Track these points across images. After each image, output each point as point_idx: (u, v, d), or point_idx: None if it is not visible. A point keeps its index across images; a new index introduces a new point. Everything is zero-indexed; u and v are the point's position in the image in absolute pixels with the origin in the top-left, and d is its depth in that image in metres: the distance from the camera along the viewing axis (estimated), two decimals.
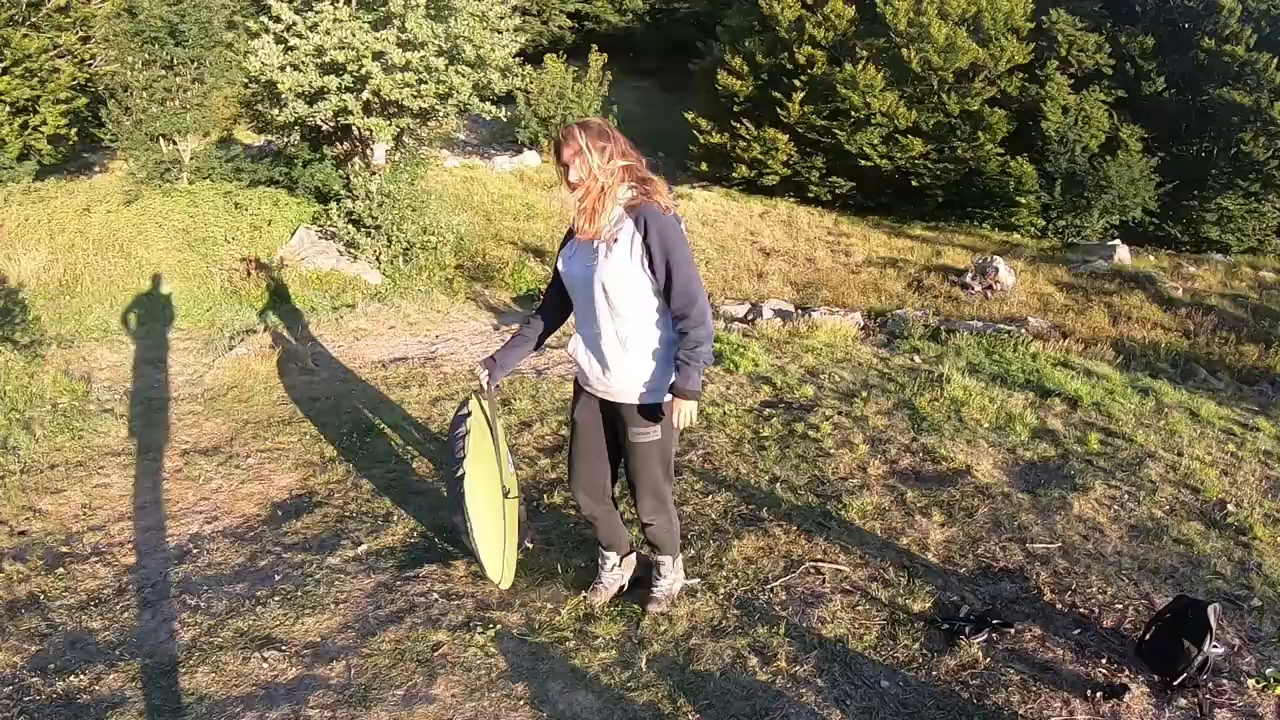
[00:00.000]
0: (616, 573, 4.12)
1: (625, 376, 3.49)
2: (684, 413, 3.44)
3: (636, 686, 3.50)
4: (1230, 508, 5.51)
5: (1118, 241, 17.32)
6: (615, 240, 3.32)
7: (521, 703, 3.39)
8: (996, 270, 13.08)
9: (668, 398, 3.48)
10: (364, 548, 4.63)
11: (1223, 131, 20.44)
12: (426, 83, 11.66)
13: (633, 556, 4.18)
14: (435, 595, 4.14)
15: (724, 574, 4.35)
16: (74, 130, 13.43)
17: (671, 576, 4.03)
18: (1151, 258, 17.14)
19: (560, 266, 3.55)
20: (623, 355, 3.45)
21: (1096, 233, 19.39)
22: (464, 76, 11.88)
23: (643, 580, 4.14)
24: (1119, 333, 10.93)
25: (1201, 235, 20.03)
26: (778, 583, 4.30)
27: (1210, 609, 3.78)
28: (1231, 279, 15.86)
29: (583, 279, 3.42)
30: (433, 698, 3.40)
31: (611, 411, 3.62)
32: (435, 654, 3.67)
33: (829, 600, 4.17)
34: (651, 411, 3.52)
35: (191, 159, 12.70)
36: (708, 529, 4.83)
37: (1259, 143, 19.53)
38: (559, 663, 3.65)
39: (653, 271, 3.32)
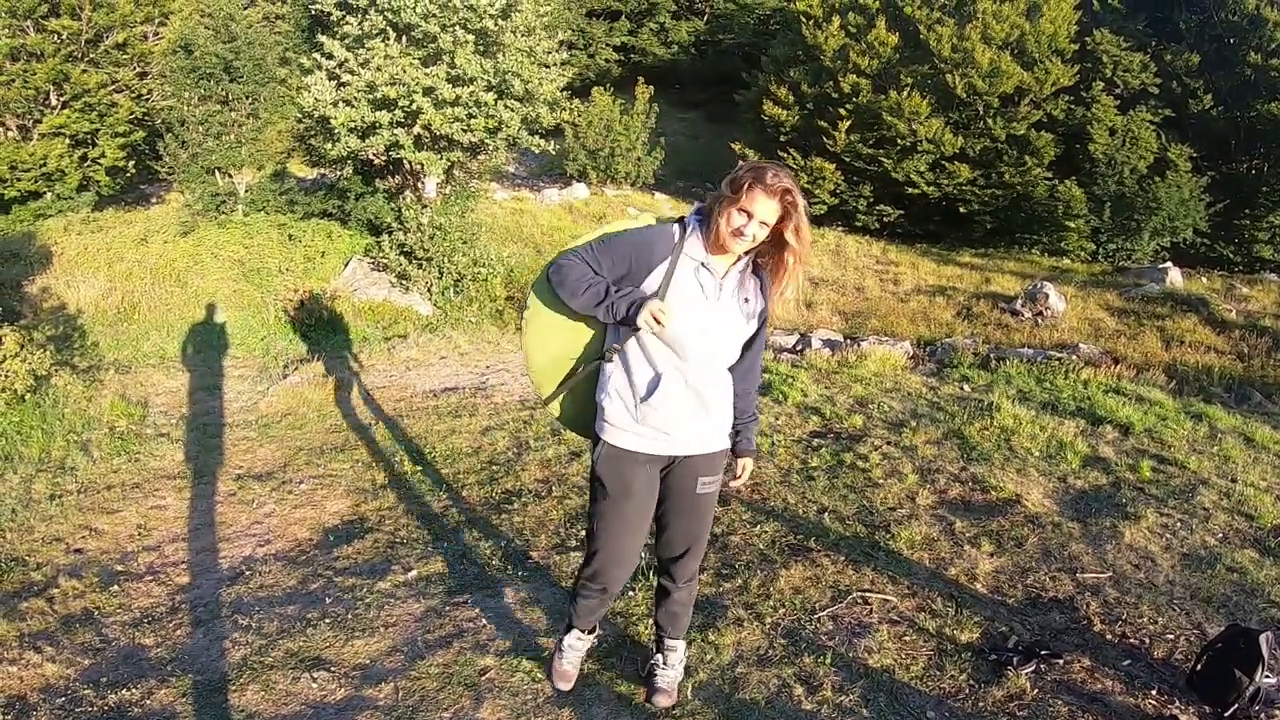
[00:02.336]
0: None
1: (722, 422, 3.22)
2: (749, 469, 3.48)
3: (682, 714, 3.50)
4: None
5: (1169, 264, 17.08)
6: (744, 288, 3.08)
7: None
8: (1046, 296, 12.93)
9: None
10: (414, 573, 4.69)
11: (1272, 148, 20.11)
12: (476, 117, 11.86)
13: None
14: (484, 621, 4.19)
15: (771, 603, 4.35)
16: (131, 163, 13.87)
17: (681, 662, 3.67)
18: (1204, 279, 16.90)
19: (674, 297, 2.97)
20: (722, 401, 3.16)
21: (1147, 255, 19.14)
22: (513, 111, 12.08)
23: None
24: (1171, 357, 10.75)
25: (1254, 255, 19.69)
26: (825, 613, 4.29)
27: (1263, 637, 3.71)
28: None
29: (703, 321, 3.00)
30: None
31: (674, 469, 3.21)
32: (482, 679, 3.71)
33: (876, 630, 4.15)
34: (726, 455, 3.32)
35: (246, 192, 13.01)
36: (755, 559, 4.82)
37: None
38: (605, 689, 3.66)
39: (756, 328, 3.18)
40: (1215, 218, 19.67)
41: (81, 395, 7.55)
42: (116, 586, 4.64)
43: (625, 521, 3.21)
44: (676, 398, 3.02)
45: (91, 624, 4.25)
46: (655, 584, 3.57)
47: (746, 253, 3.02)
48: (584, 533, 3.33)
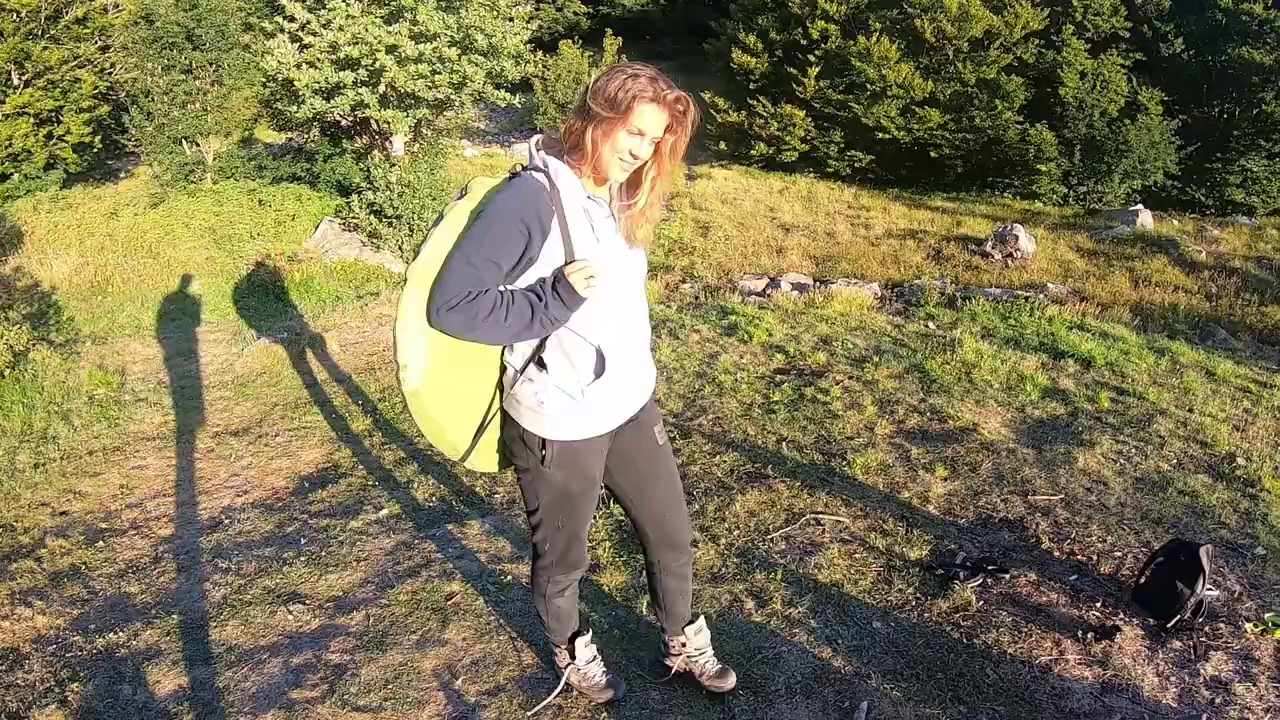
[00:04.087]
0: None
1: (654, 377, 2.94)
2: None
3: (636, 629, 3.67)
4: (1240, 461, 5.50)
5: (1140, 206, 17.17)
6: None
7: (527, 645, 3.57)
8: (1017, 238, 13.00)
9: None
10: (385, 512, 4.83)
11: (1244, 92, 20.14)
12: (440, 73, 11.82)
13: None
14: (451, 551, 4.34)
15: (726, 526, 4.49)
16: (98, 138, 13.75)
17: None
18: (1175, 222, 17.00)
19: (585, 250, 2.51)
20: (648, 332, 2.86)
21: (1119, 198, 19.21)
22: (477, 65, 12.04)
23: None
24: (1139, 296, 10.86)
25: (1225, 198, 19.74)
26: (778, 534, 4.42)
27: (1203, 550, 3.78)
28: (1256, 241, 15.70)
29: (620, 259, 2.61)
30: (444, 641, 3.59)
31: (625, 433, 2.85)
32: (448, 603, 3.87)
33: (827, 549, 4.29)
34: None
35: (214, 160, 12.97)
36: (713, 486, 4.96)
37: None
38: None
39: None
40: (1186, 161, 19.75)
41: (60, 368, 7.63)
42: (102, 543, 4.77)
43: (587, 509, 2.87)
44: (624, 363, 2.67)
45: (79, 578, 4.39)
46: (656, 564, 3.07)
47: None
48: (534, 531, 2.86)
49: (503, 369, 2.74)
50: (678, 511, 3.02)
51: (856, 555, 4.25)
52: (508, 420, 2.76)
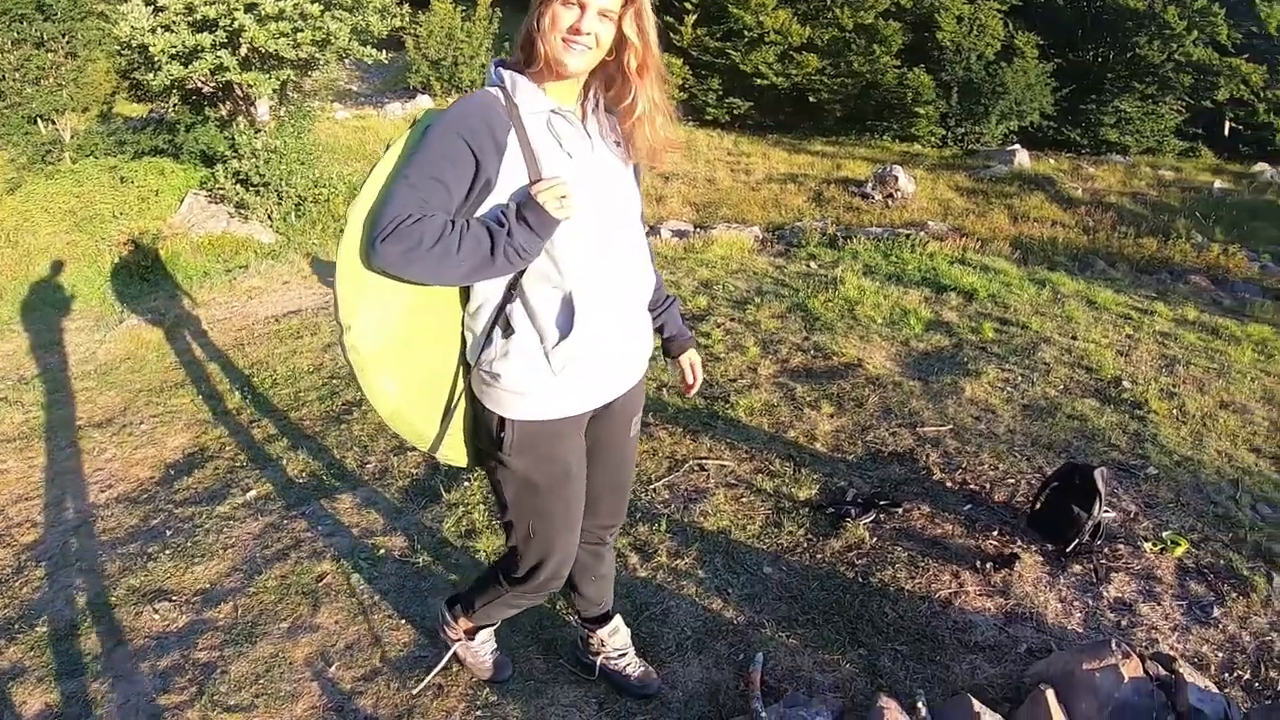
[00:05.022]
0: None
1: (649, 323, 2.46)
2: (698, 365, 2.75)
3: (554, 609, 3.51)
4: (1125, 384, 5.63)
5: (1017, 146, 17.49)
6: (605, 128, 2.23)
7: (403, 621, 3.41)
8: (896, 179, 13.10)
9: None
10: (253, 493, 4.58)
11: (1118, 36, 20.63)
12: (303, 30, 11.30)
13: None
14: (320, 529, 4.13)
15: None
16: None
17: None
18: (1051, 161, 17.37)
19: (555, 166, 2.08)
20: (647, 287, 2.38)
21: (996, 139, 19.56)
22: (340, 21, 11.53)
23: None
24: (1018, 232, 11.03)
25: (1100, 138, 20.24)
26: (660, 482, 4.32)
27: (1097, 472, 3.81)
28: (1131, 178, 16.14)
29: (597, 181, 2.15)
30: (317, 626, 3.41)
31: (600, 419, 2.42)
32: (319, 585, 3.67)
33: (712, 495, 4.20)
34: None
35: (73, 138, 12.25)
36: None
37: (1153, 46, 19.76)
38: (440, 579, 3.66)
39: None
40: (1062, 103, 20.15)
41: None
42: None
43: (570, 510, 2.41)
44: (604, 320, 2.17)
45: None
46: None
47: (595, 79, 2.17)
48: (507, 537, 2.44)
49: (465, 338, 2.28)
50: (617, 504, 2.68)
51: (743, 499, 4.18)
52: (472, 399, 2.31)
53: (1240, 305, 8.25)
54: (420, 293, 2.09)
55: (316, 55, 11.65)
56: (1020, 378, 5.66)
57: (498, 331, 2.15)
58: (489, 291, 2.15)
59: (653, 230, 9.47)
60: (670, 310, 2.61)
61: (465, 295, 2.23)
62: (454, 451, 2.39)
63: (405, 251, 1.90)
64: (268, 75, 11.53)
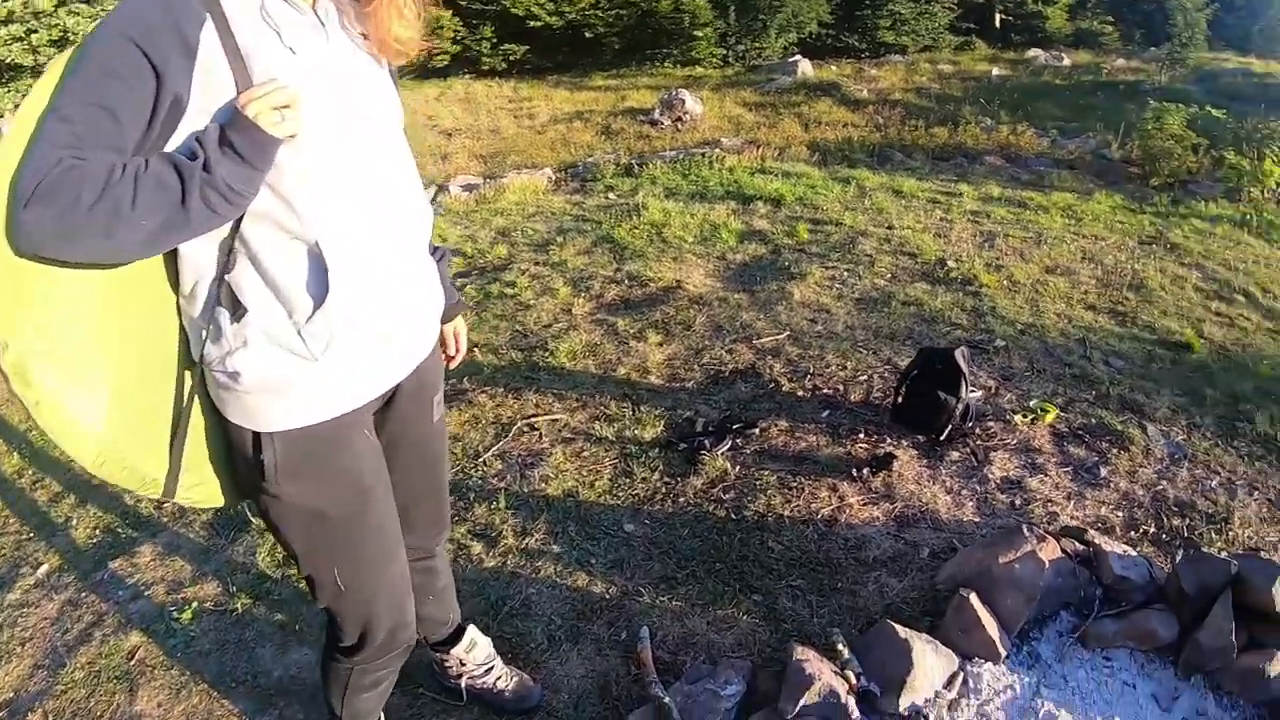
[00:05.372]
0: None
1: (435, 274, 1.82)
2: (464, 336, 2.13)
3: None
4: (950, 263, 5.59)
5: (799, 57, 17.54)
6: (343, 14, 1.55)
7: (237, 684, 2.67)
8: (683, 102, 12.82)
9: None
10: (43, 569, 3.55)
11: None
12: (37, 31, 9.85)
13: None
14: (122, 594, 3.22)
15: None
16: None
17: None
18: (834, 67, 17.55)
19: (273, 66, 1.37)
20: (426, 230, 1.75)
21: (777, 52, 19.51)
22: (79, 15, 10.11)
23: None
24: (812, 137, 10.85)
25: (879, 40, 20.45)
26: (489, 453, 3.67)
27: (958, 353, 3.67)
28: (912, 75, 16.47)
29: (339, 81, 1.48)
30: (138, 715, 2.61)
31: (393, 405, 1.78)
32: (132, 663, 2.82)
33: (549, 455, 3.60)
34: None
35: None
36: None
37: None
38: (264, 622, 2.90)
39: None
40: (838, 10, 20.31)
41: None
42: None
43: (382, 535, 1.74)
44: (371, 272, 1.52)
45: None
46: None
47: None
48: (313, 596, 1.74)
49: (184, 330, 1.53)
50: (437, 504, 2.05)
51: (585, 453, 3.60)
52: (214, 412, 1.58)
53: (1038, 178, 8.43)
54: (111, 278, 1.36)
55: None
56: (846, 273, 5.46)
57: (222, 314, 1.45)
58: (199, 259, 1.43)
59: (441, 189, 8.73)
60: (441, 263, 1.91)
61: (175, 272, 1.48)
62: (201, 490, 1.62)
63: (58, 217, 1.19)
64: (6, 89, 10.05)
